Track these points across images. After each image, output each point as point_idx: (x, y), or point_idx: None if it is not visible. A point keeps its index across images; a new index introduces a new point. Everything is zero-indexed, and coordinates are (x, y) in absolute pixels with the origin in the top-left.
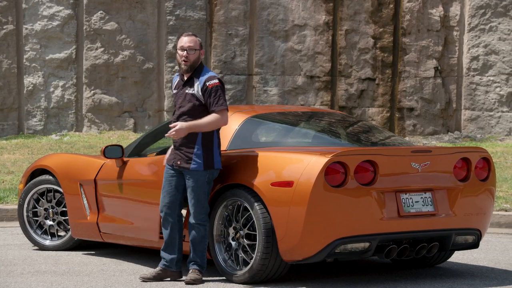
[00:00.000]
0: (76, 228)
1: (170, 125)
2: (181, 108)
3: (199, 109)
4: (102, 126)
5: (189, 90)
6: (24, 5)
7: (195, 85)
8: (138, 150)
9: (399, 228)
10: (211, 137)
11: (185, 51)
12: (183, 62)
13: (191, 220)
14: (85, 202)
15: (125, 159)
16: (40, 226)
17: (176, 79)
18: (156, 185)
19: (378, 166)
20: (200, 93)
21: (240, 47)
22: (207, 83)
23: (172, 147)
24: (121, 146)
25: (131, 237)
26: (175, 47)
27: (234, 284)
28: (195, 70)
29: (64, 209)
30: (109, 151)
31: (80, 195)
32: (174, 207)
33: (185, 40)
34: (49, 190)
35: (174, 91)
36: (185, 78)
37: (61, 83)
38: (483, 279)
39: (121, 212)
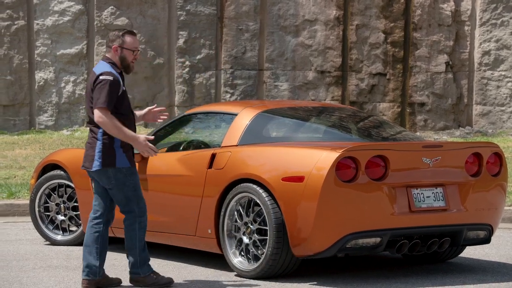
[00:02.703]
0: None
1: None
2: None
3: None
4: None
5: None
6: (35, 1)
7: None
8: None
9: (410, 223)
10: None
11: (138, 52)
12: (132, 62)
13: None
14: None
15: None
16: (52, 221)
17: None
18: (167, 179)
19: (389, 161)
20: None
21: (251, 42)
22: None
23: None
24: None
25: None
26: (186, 42)
27: (245, 279)
28: None
29: (75, 204)
30: None
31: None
32: None
33: (135, 41)
34: (60, 185)
35: (124, 89)
36: (122, 78)
37: (72, 79)
38: (495, 274)
39: None
